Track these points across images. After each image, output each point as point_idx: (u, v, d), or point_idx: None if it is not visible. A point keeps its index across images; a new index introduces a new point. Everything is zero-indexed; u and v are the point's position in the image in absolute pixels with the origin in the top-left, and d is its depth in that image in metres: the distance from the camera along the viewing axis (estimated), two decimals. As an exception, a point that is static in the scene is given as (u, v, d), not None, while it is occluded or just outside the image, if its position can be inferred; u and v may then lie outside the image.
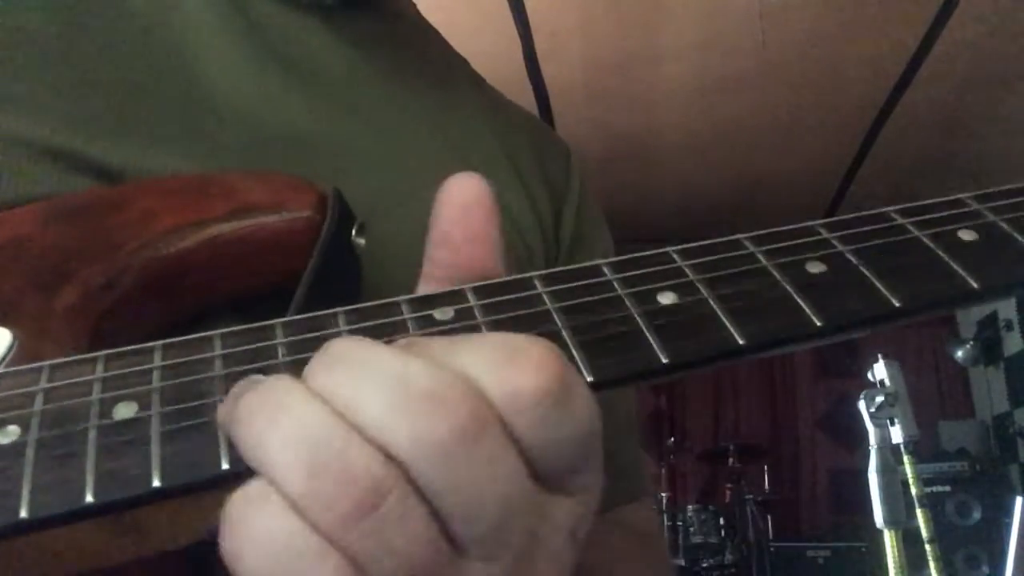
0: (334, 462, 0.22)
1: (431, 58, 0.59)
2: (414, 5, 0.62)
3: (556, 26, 2.96)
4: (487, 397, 0.23)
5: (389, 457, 0.22)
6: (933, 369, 4.68)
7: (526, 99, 3.31)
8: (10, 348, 0.31)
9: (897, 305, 0.30)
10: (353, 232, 0.39)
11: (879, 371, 2.26)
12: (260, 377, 0.26)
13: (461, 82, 0.61)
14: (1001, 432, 4.23)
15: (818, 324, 0.29)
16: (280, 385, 0.24)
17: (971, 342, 4.31)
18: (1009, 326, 4.22)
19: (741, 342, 0.28)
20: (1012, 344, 4.21)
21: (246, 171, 0.39)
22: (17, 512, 0.23)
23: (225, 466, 0.24)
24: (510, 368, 0.24)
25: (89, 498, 0.24)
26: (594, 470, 0.25)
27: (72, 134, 0.39)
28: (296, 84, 0.48)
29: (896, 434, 2.19)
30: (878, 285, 0.30)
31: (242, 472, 0.23)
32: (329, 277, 0.37)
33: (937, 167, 3.80)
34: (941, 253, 0.32)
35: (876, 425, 2.19)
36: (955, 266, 0.31)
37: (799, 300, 0.30)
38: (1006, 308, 4.23)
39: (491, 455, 0.23)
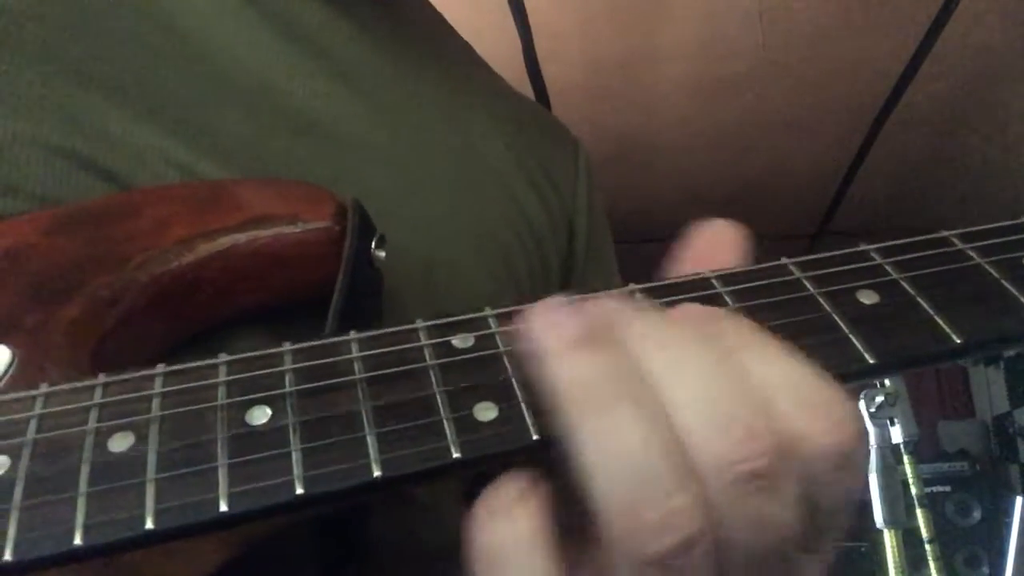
0: (658, 497, 0.21)
1: (439, 45, 0.58)
2: None
3: (556, 26, 2.96)
4: (796, 439, 0.22)
5: (706, 503, 0.21)
6: (933, 369, 4.67)
7: (526, 99, 3.29)
8: (9, 365, 0.30)
9: (958, 342, 0.27)
10: (373, 245, 0.38)
11: (879, 371, 2.26)
12: (258, 416, 0.25)
13: (468, 70, 0.59)
14: (1001, 432, 4.22)
15: (871, 362, 0.27)
16: (617, 370, 0.23)
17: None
18: (1009, 326, 4.22)
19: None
20: (1012, 344, 4.20)
21: (260, 179, 0.37)
22: (2, 554, 0.22)
23: (224, 509, 0.23)
24: (821, 417, 0.22)
25: (78, 540, 0.23)
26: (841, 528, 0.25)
27: (70, 130, 0.38)
28: (302, 68, 0.47)
29: (896, 434, 2.19)
30: (937, 320, 0.28)
31: (241, 515, 0.23)
32: (353, 294, 0.36)
33: (937, 167, 3.80)
34: (1007, 283, 0.29)
35: (876, 425, 2.19)
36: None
37: (850, 335, 0.28)
38: (1006, 308, 4.22)
39: (787, 502, 0.22)
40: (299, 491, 0.24)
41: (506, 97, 0.62)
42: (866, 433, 0.22)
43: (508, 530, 0.22)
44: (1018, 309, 0.28)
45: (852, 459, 0.22)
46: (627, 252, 0.69)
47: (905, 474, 2.19)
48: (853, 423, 0.23)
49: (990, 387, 4.41)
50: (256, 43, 0.46)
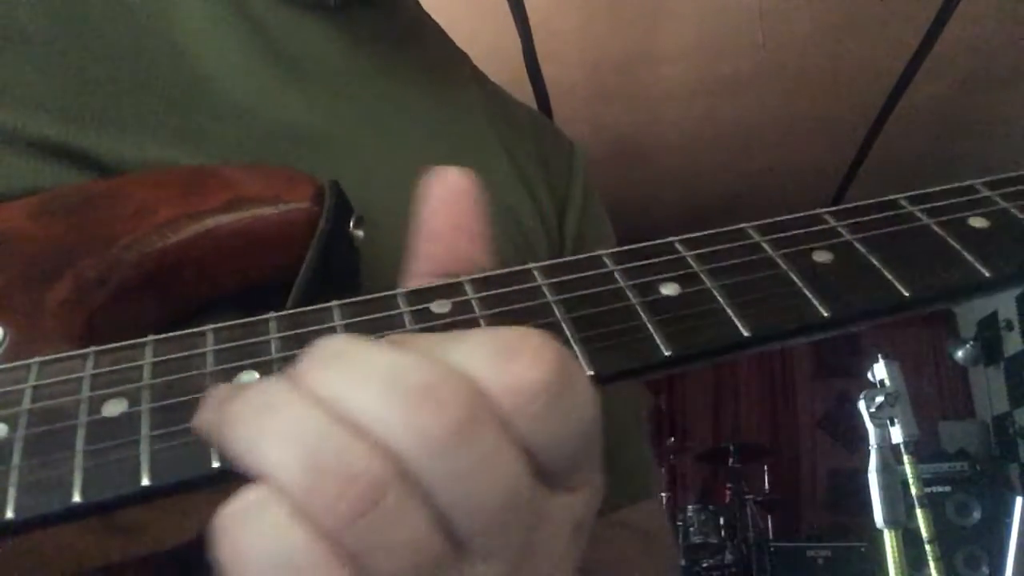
0: (332, 460, 0.22)
1: (431, 54, 0.58)
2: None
3: (556, 26, 2.96)
4: (484, 391, 0.23)
5: (387, 455, 0.22)
6: (933, 369, 4.68)
7: (526, 99, 3.30)
8: (1, 344, 0.30)
9: (906, 295, 0.29)
10: (351, 224, 0.38)
11: (879, 371, 2.26)
12: (247, 380, 0.26)
13: (462, 78, 0.60)
14: (1001, 432, 4.23)
15: (825, 315, 0.28)
16: (272, 387, 0.23)
17: (971, 342, 4.31)
18: (1009, 326, 4.22)
19: (746, 334, 0.28)
20: (1012, 344, 4.21)
21: (242, 164, 0.38)
22: (3, 513, 0.23)
23: (216, 464, 0.24)
24: (507, 361, 0.23)
25: (77, 498, 0.23)
26: (595, 466, 0.25)
27: (65, 128, 0.39)
28: (294, 79, 0.47)
29: (896, 434, 2.19)
30: (887, 274, 0.29)
31: (233, 471, 0.23)
32: (328, 270, 0.36)
33: (937, 167, 3.80)
34: (952, 241, 0.30)
35: (876, 425, 2.19)
36: (966, 254, 0.30)
37: (806, 290, 0.29)
38: (1006, 308, 4.22)
39: (489, 449, 0.22)
40: None
41: (504, 104, 0.62)
42: (572, 365, 0.22)
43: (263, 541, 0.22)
44: (962, 264, 0.29)
45: (558, 390, 0.23)
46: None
47: (905, 474, 2.19)
48: (549, 358, 0.23)
49: (990, 387, 4.41)
50: (249, 54, 0.46)
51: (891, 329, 4.56)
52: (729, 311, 0.28)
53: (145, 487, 0.23)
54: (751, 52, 3.05)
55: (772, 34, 2.95)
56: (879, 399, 2.18)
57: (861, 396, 2.24)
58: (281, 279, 0.36)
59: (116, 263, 0.34)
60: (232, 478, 0.23)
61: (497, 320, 0.28)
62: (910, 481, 2.21)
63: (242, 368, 0.26)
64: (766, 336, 0.28)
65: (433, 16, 0.63)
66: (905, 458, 2.21)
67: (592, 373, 0.26)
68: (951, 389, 4.66)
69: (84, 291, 0.33)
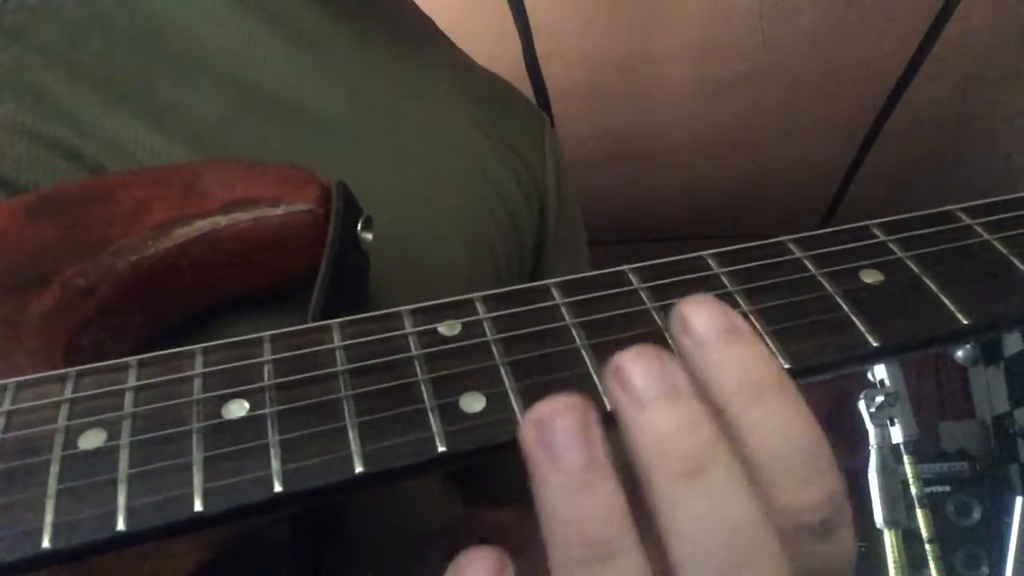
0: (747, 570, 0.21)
1: (398, 19, 0.57)
2: None
3: (556, 26, 2.96)
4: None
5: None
6: (933, 369, 4.67)
7: (526, 99, 3.29)
8: None
9: (965, 323, 0.26)
10: (359, 227, 0.36)
11: (879, 371, 2.26)
12: (234, 411, 0.24)
13: (429, 44, 0.58)
14: (1001, 432, 4.22)
15: (874, 344, 0.25)
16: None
17: (971, 342, 4.30)
18: (1009, 326, 4.21)
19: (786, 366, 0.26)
20: (1012, 344, 4.20)
21: (241, 161, 0.36)
22: None
23: (198, 508, 0.22)
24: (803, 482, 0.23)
25: (47, 544, 0.22)
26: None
27: (38, 112, 0.38)
28: (271, 46, 0.46)
29: (896, 434, 2.19)
30: (941, 297, 0.26)
31: (219, 516, 0.22)
32: (339, 278, 0.34)
33: (937, 167, 3.79)
34: (1017, 261, 0.27)
35: (876, 425, 2.19)
36: None
37: (853, 317, 0.26)
38: (1006, 308, 4.22)
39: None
40: (277, 488, 0.23)
41: (469, 72, 0.60)
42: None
43: None
44: None
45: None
46: (627, 251, 0.69)
47: (905, 474, 2.19)
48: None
49: (990, 387, 4.40)
50: (226, 23, 0.45)
51: (891, 329, 4.55)
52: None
53: (120, 533, 0.22)
54: (751, 52, 3.05)
55: (772, 34, 2.95)
56: (879, 399, 2.19)
57: (861, 396, 2.24)
58: (285, 285, 0.34)
59: (106, 270, 0.32)
60: (213, 523, 0.22)
61: (511, 343, 0.26)
62: (910, 481, 2.21)
63: (230, 396, 0.25)
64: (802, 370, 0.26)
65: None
66: (905, 458, 2.21)
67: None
68: (951, 389, 4.65)
69: (71, 301, 0.31)
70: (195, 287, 0.34)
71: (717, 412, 0.23)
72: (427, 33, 0.59)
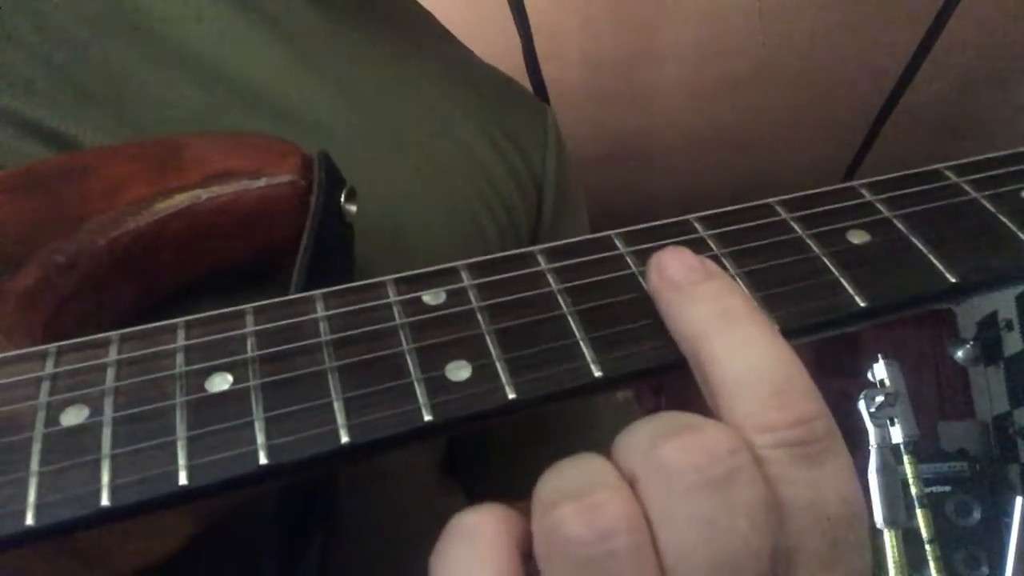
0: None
1: (400, 15, 0.57)
2: None
3: (556, 26, 2.96)
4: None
5: None
6: (933, 369, 4.67)
7: (526, 99, 3.30)
8: None
9: (953, 281, 0.26)
10: (342, 198, 0.36)
11: (879, 371, 2.26)
12: (218, 384, 0.25)
13: (424, 38, 0.58)
14: (1001, 432, 4.22)
15: (861, 304, 0.26)
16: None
17: (971, 342, 4.30)
18: (1009, 326, 4.21)
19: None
20: (1012, 344, 4.20)
21: (222, 134, 0.35)
22: None
23: (183, 482, 0.22)
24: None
25: (30, 521, 0.21)
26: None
27: (15, 94, 0.37)
28: (258, 41, 0.45)
29: (896, 434, 2.19)
30: (929, 257, 0.26)
31: (202, 489, 0.21)
32: (322, 250, 0.34)
33: (937, 167, 3.79)
34: (1005, 219, 0.27)
35: (876, 425, 2.19)
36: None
37: (840, 278, 0.26)
38: (1006, 308, 4.22)
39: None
40: (263, 461, 0.23)
41: (467, 65, 0.59)
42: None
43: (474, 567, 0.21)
44: (1017, 246, 0.26)
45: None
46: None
47: (905, 474, 2.19)
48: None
49: (990, 387, 4.40)
50: (212, 17, 0.44)
51: (891, 329, 4.55)
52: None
53: (104, 508, 0.22)
54: (751, 52, 3.05)
55: (772, 34, 2.95)
56: (879, 399, 2.18)
57: (861, 396, 2.24)
58: (268, 258, 0.34)
59: (86, 246, 0.31)
60: (198, 497, 0.22)
61: (496, 310, 0.26)
62: (910, 481, 2.21)
63: (214, 370, 0.25)
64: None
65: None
66: (905, 458, 2.21)
67: (599, 375, 0.25)
68: (951, 389, 4.65)
69: (51, 278, 0.30)
70: (177, 262, 0.33)
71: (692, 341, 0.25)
72: (423, 26, 0.59)
